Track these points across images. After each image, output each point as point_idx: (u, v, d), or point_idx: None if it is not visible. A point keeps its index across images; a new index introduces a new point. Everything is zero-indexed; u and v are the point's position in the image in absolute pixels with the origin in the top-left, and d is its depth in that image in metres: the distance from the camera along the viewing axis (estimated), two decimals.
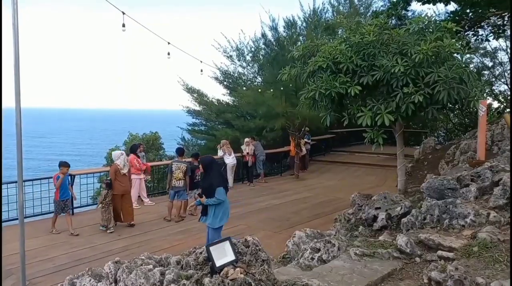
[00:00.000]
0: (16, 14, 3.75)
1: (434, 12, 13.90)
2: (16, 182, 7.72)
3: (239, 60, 18.22)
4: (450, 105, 6.26)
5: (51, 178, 8.54)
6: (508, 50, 14.83)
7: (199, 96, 17.86)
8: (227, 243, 2.79)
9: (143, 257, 3.29)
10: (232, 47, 17.99)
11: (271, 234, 7.20)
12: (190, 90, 17.92)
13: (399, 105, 5.71)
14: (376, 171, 14.21)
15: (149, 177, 9.84)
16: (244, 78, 18.56)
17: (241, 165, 12.51)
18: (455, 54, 5.96)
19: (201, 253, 3.11)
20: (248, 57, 18.42)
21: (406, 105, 5.63)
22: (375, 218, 4.54)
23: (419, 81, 5.67)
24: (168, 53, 7.13)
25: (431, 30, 6.15)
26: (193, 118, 18.79)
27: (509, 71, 15.15)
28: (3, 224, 7.76)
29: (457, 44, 5.75)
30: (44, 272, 5.56)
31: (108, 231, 7.46)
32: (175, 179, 8.26)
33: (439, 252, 3.23)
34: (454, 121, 16.87)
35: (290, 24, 18.53)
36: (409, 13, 16.45)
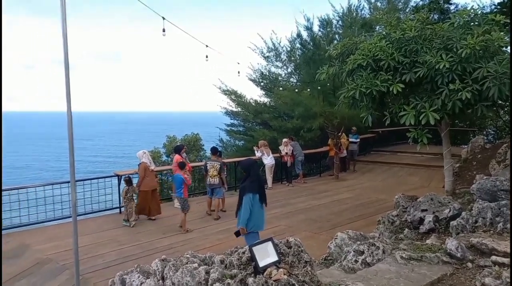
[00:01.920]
0: (65, 23, 3.97)
1: (478, 4, 13.18)
2: (69, 182, 8.21)
3: (276, 60, 18.23)
4: (501, 102, 5.90)
5: (100, 178, 9.01)
6: None
7: (236, 97, 18.05)
8: (269, 244, 2.81)
9: (188, 256, 3.37)
10: (268, 48, 18.04)
11: (312, 235, 7.13)
12: (228, 91, 18.14)
13: (444, 103, 5.47)
14: (419, 171, 13.68)
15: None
16: (280, 78, 18.54)
17: (279, 165, 12.49)
18: (505, 48, 5.62)
19: (243, 253, 3.15)
20: (284, 57, 18.38)
21: (452, 102, 5.37)
22: (421, 220, 4.38)
23: (466, 77, 5.40)
24: (206, 56, 7.28)
25: (478, 23, 5.84)
26: (231, 119, 19.01)
27: None
28: (56, 222, 8.28)
29: (506, 38, 5.42)
30: (95, 268, 5.84)
31: (129, 225, 7.94)
32: (210, 176, 8.64)
33: (493, 258, 3.06)
34: (504, 118, 15.89)
35: (326, 23, 18.28)
36: (452, 7, 15.74)
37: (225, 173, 9.31)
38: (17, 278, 5.57)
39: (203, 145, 17.80)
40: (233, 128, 19.02)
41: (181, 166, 8.02)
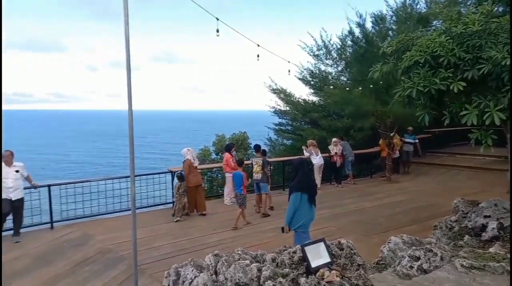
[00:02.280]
0: (127, 26, 4.21)
1: None
2: (127, 177, 8.71)
3: (326, 58, 17.93)
4: None
5: (155, 173, 9.45)
6: None
7: (285, 96, 18.01)
8: (321, 245, 2.79)
9: (239, 252, 3.45)
10: (318, 46, 17.79)
11: (362, 238, 6.96)
12: (277, 90, 18.16)
13: None
14: (480, 174, 12.81)
15: None
16: (330, 77, 18.21)
17: (328, 165, 12.30)
18: None
19: (294, 252, 3.16)
20: (334, 55, 18.03)
21: None
22: (483, 227, 4.11)
23: None
24: (258, 55, 7.34)
25: None
26: (279, 118, 19.00)
27: None
28: (114, 215, 8.79)
29: None
30: (150, 260, 6.15)
31: (175, 220, 8.31)
32: (254, 172, 8.90)
33: None
34: None
35: (379, 19, 17.65)
36: None
37: (269, 170, 9.43)
38: (82, 265, 6.01)
39: (251, 144, 17.99)
40: (281, 127, 19.00)
41: (240, 163, 8.33)
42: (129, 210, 8.79)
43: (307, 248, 2.67)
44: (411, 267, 3.49)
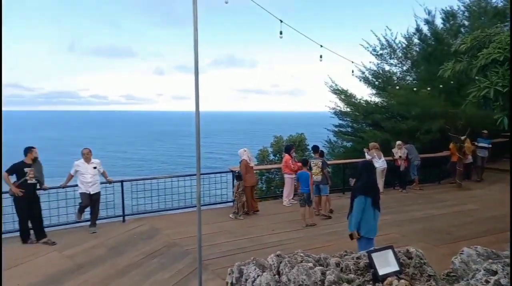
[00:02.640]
0: (197, 32, 4.40)
1: None
2: (192, 175, 9.10)
3: (390, 58, 17.19)
4: None
5: (217, 173, 9.76)
6: None
7: (346, 97, 17.56)
8: (389, 252, 2.69)
9: (301, 254, 3.44)
10: (382, 45, 17.11)
11: (430, 247, 6.56)
12: (337, 91, 17.78)
13: None
14: None
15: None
16: (394, 77, 17.42)
17: (392, 169, 11.77)
18: None
19: (359, 258, 3.08)
20: (399, 55, 17.21)
21: None
22: None
23: None
24: (321, 56, 7.26)
25: None
26: (339, 119, 18.58)
27: None
28: (179, 211, 9.21)
29: None
30: (212, 256, 6.35)
31: (236, 218, 8.51)
32: (314, 174, 8.70)
33: None
34: None
35: (450, 15, 16.51)
36: None
37: (328, 170, 9.28)
38: (151, 256, 6.39)
39: (308, 145, 17.83)
40: (341, 129, 18.56)
41: (304, 162, 8.37)
42: (193, 206, 9.20)
43: (374, 255, 2.59)
44: (487, 281, 3.23)
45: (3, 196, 6.89)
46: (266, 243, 6.99)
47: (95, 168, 7.68)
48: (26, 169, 6.77)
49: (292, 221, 8.32)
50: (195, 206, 9.12)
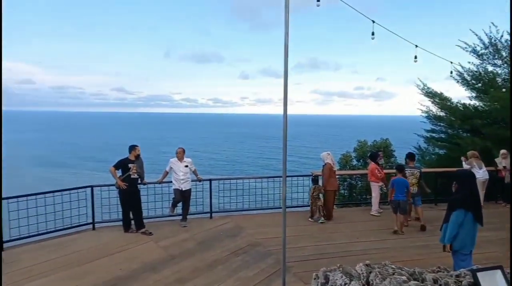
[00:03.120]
0: (287, 37, 4.45)
1: None
2: (276, 177, 9.25)
3: (493, 58, 15.44)
4: None
5: (299, 176, 9.76)
6: None
7: (441, 100, 16.20)
8: (498, 272, 2.42)
9: (393, 266, 3.27)
10: (484, 44, 15.43)
11: None
12: (430, 94, 16.50)
13: None
14: None
15: (384, 187, 9.58)
16: (499, 78, 15.58)
17: (494, 181, 10.54)
18: None
19: (458, 276, 2.82)
20: (504, 54, 15.34)
21: None
22: None
23: None
24: (415, 57, 6.82)
25: None
26: (432, 124, 17.20)
27: None
28: (262, 212, 9.39)
29: None
30: (294, 259, 6.36)
31: (315, 221, 8.45)
32: (410, 184, 8.10)
33: None
34: None
35: None
36: None
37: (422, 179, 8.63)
38: (235, 254, 6.63)
39: (394, 151, 16.82)
40: (433, 134, 17.16)
41: (400, 169, 7.99)
42: (276, 208, 9.34)
43: (480, 274, 2.35)
44: None
45: (110, 188, 7.75)
46: (350, 250, 6.78)
47: (186, 166, 8.23)
48: (130, 165, 7.53)
49: (377, 230, 7.94)
50: (278, 208, 9.29)
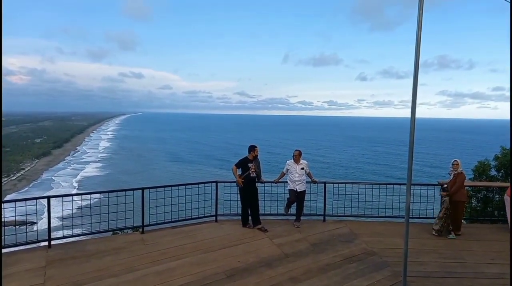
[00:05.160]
0: (420, 32, 4.12)
1: None
2: (402, 184, 8.63)
3: None
4: None
5: (424, 184, 8.94)
6: None
7: None
8: None
9: None
10: None
11: None
12: None
13: None
14: None
15: None
16: None
17: None
18: None
19: None
20: None
21: None
22: None
23: None
24: None
25: None
26: None
27: None
28: (379, 220, 8.88)
29: None
30: (415, 274, 5.85)
31: (439, 235, 7.64)
32: None
33: None
34: None
35: None
36: None
37: None
38: (349, 261, 6.44)
39: None
40: None
41: None
42: (394, 217, 8.75)
43: None
44: None
45: (232, 184, 8.32)
46: (483, 272, 5.94)
47: (302, 168, 8.32)
48: (249, 164, 7.97)
49: None
50: (396, 217, 8.69)
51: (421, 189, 8.95)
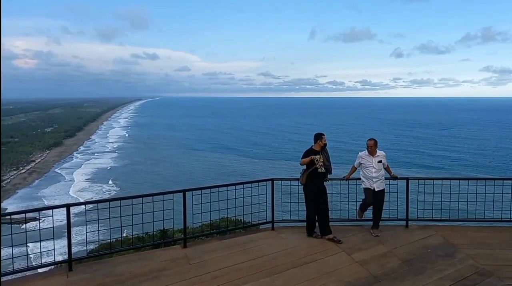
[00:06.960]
0: None
1: None
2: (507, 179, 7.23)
3: None
4: None
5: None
6: None
7: None
8: None
9: None
10: None
11: None
12: None
13: None
14: None
15: None
16: None
17: None
18: None
19: None
20: None
21: None
22: None
23: None
24: None
25: None
26: None
27: None
28: (479, 224, 7.60)
29: None
30: None
31: None
32: None
33: None
34: None
35: None
36: None
37: None
38: (461, 284, 5.24)
39: None
40: None
41: None
42: (500, 220, 7.40)
43: None
44: None
45: (291, 182, 7.18)
46: None
47: (380, 161, 7.07)
48: (315, 157, 6.74)
49: None
50: (502, 221, 7.35)
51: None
